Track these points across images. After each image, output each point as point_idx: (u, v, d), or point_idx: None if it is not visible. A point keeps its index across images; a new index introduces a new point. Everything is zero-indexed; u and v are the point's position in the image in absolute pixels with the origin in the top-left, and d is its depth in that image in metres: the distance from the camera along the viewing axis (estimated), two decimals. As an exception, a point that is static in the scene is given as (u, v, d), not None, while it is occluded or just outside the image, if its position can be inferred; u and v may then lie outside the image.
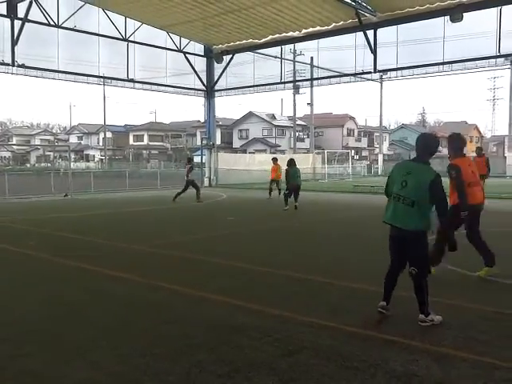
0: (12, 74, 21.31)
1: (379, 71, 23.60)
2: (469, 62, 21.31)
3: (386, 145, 69.19)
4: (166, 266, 7.83)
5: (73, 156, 67.53)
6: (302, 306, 5.51)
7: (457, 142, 6.83)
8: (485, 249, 6.57)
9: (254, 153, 56.57)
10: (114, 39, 23.63)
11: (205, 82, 28.89)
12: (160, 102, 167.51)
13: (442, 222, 4.85)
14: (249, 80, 28.34)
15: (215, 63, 28.21)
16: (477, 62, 21.36)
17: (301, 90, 44.62)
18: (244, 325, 4.88)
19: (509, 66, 37.35)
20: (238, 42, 26.07)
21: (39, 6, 20.56)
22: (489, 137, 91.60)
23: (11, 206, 18.07)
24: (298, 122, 56.43)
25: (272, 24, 22.94)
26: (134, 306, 5.68)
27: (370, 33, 22.07)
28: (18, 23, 20.19)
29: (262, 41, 25.22)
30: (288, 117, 66.85)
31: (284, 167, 17.90)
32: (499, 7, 19.36)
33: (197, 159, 33.45)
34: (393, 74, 25.18)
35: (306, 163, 37.17)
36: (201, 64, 28.58)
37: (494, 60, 21.03)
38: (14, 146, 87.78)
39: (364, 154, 72.70)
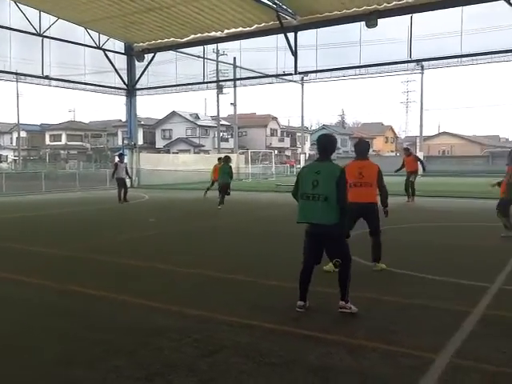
0: None
1: (300, 73, 24.16)
2: (383, 66, 22.35)
3: (307, 145, 70.95)
4: (81, 270, 7.54)
5: (-17, 156, 63.40)
6: (222, 305, 5.52)
7: (357, 146, 7.38)
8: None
9: (177, 153, 56.01)
10: (27, 34, 22.46)
11: (126, 81, 28.22)
12: (79, 100, 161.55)
13: (341, 212, 5.08)
14: (171, 79, 28.01)
15: (136, 61, 27.61)
16: (391, 66, 22.46)
17: (224, 90, 44.71)
18: (163, 327, 4.81)
19: (420, 71, 39.65)
20: (159, 41, 25.69)
21: None
22: (403, 137, 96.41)
23: None
24: (222, 121, 56.54)
25: (194, 23, 22.82)
26: (45, 312, 5.42)
27: (291, 35, 22.55)
28: None
29: (184, 40, 25.01)
30: (212, 117, 66.81)
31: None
32: (411, 15, 20.48)
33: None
34: (313, 75, 25.95)
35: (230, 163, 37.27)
36: (121, 62, 27.86)
37: (406, 65, 22.24)
38: None
39: (287, 153, 74.14)
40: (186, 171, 31.59)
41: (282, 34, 22.45)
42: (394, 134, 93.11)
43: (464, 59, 20.64)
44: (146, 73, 27.78)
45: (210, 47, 30.80)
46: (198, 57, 27.02)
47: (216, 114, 50.09)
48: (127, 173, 19.45)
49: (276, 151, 62.84)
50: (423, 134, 47.25)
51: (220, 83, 37.65)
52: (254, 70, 26.71)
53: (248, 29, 23.08)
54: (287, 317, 5.05)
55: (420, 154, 41.79)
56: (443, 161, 52.71)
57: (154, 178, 29.15)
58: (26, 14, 21.83)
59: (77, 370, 3.85)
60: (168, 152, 60.27)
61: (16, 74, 23.89)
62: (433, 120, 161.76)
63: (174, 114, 68.84)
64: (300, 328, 4.72)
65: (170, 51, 26.63)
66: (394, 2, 19.65)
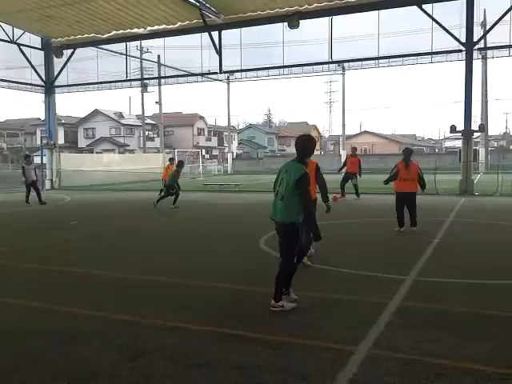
0: None
1: (225, 72, 24.24)
2: (306, 67, 22.90)
3: (235, 144, 71.24)
4: (-3, 277, 7.14)
5: None
6: (147, 308, 5.42)
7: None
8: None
9: (101, 153, 54.33)
10: None
11: (43, 77, 26.97)
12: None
13: (305, 213, 5.14)
14: (93, 76, 27.14)
15: (55, 57, 26.46)
16: (313, 66, 23.05)
17: (149, 89, 44.04)
18: (85, 333, 4.66)
19: (341, 72, 40.97)
20: (79, 36, 24.79)
21: None
22: (327, 136, 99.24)
23: None
24: (147, 120, 55.52)
25: (115, 19, 22.24)
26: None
27: (216, 34, 22.57)
28: None
29: (105, 36, 24.32)
30: (137, 115, 65.42)
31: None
32: (331, 17, 21.12)
33: (37, 160, 31.01)
34: (238, 75, 26.12)
35: (157, 163, 36.75)
36: (39, 58, 26.59)
37: (327, 65, 22.92)
38: None
39: (215, 152, 74.01)
40: (110, 171, 30.71)
41: (207, 33, 22.42)
42: (319, 133, 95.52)
43: (381, 61, 21.60)
44: (65, 69, 26.72)
45: (134, 44, 30.19)
46: (121, 54, 26.36)
47: (141, 113, 49.07)
48: (36, 174, 18.86)
49: (203, 150, 62.54)
50: (346, 134, 48.88)
51: (144, 81, 37.01)
52: (179, 68, 26.48)
53: (172, 26, 22.82)
54: (212, 317, 5.05)
55: (343, 153, 43.28)
56: (365, 159, 54.72)
57: (77, 179, 28.05)
58: None
59: (-11, 385, 3.65)
60: (91, 152, 58.32)
61: None
62: (355, 120, 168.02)
63: (96, 112, 66.66)
64: (226, 328, 4.74)
65: (91, 47, 25.78)
66: (315, 4, 20.19)
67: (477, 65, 33.13)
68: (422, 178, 10.64)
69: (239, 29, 22.66)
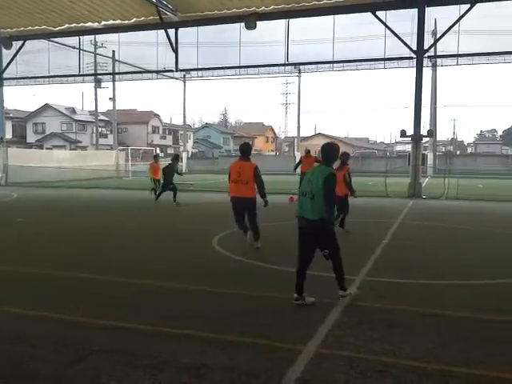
0: None
1: (181, 70, 24.04)
2: (262, 68, 23.02)
3: (190, 143, 70.71)
4: None
5: None
6: (92, 308, 5.30)
7: (241, 147, 8.57)
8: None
9: (51, 149, 52.74)
10: None
11: (-10, 69, 25.96)
12: None
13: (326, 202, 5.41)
14: (44, 70, 26.33)
15: (4, 49, 25.50)
16: (270, 68, 23.21)
17: (103, 84, 43.00)
18: (29, 334, 4.51)
19: (297, 74, 41.42)
20: (29, 28, 23.97)
21: None
22: (283, 137, 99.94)
23: None
24: (101, 117, 54.26)
25: (68, 12, 21.66)
26: None
27: (172, 32, 22.35)
28: None
29: (57, 29, 23.63)
30: (89, 111, 63.80)
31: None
32: (287, 19, 21.33)
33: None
34: (194, 73, 25.99)
35: (109, 160, 36.05)
36: (-15, 49, 25.58)
37: (283, 67, 23.13)
38: None
39: (169, 151, 73.19)
40: (60, 168, 29.87)
41: (163, 30, 22.17)
42: (274, 134, 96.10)
43: (336, 65, 21.98)
44: (14, 61, 25.78)
45: (88, 38, 29.50)
46: (74, 47, 25.69)
47: (94, 109, 47.94)
48: None
49: (158, 149, 61.76)
50: (301, 135, 49.39)
51: (98, 76, 36.24)
52: (134, 64, 26.07)
53: (127, 22, 22.44)
54: (161, 317, 4.99)
55: (298, 155, 43.68)
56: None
57: (25, 175, 27.12)
58: None
59: None
60: (41, 147, 56.46)
61: None
62: (310, 121, 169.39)
63: (47, 106, 64.57)
64: (175, 328, 4.69)
65: (43, 40, 25.00)
66: (272, 6, 20.33)
67: (427, 72, 34.27)
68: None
69: (196, 27, 22.55)
